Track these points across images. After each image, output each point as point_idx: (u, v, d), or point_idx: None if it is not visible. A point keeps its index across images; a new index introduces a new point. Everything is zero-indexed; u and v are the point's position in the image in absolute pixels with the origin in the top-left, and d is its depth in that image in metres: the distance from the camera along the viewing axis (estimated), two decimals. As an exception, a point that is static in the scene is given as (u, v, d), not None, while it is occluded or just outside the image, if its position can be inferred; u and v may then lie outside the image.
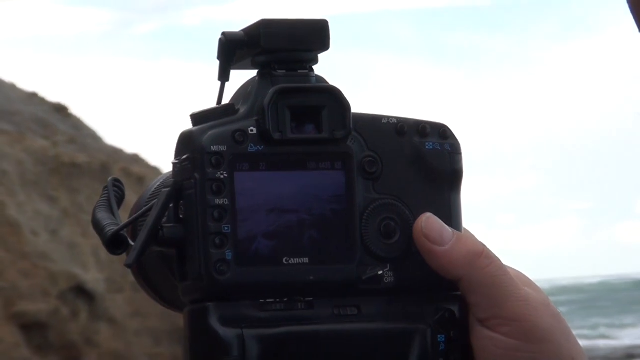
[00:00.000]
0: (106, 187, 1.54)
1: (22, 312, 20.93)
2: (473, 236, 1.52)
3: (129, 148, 28.25)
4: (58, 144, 25.12)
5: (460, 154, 1.57)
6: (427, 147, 1.52)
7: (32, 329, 21.16)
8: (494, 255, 1.50)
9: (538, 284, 1.49)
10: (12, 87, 27.28)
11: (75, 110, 28.30)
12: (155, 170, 23.50)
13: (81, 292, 22.07)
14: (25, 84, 27.40)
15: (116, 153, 27.20)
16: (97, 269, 22.56)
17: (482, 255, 1.47)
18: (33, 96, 27.70)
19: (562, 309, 1.49)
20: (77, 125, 27.80)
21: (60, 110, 27.77)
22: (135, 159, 27.16)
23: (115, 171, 24.42)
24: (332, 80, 1.51)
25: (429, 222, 1.47)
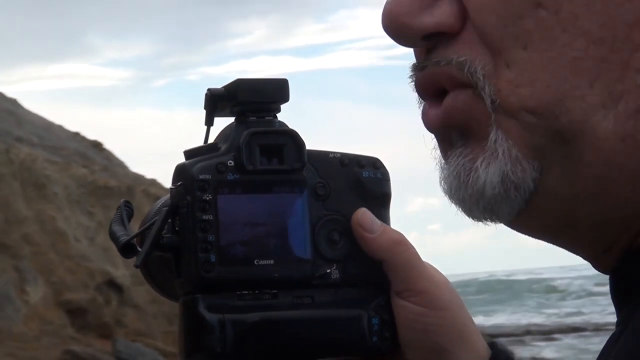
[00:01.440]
0: (119, 206, 1.65)
1: (67, 300, 22.22)
2: (398, 231, 1.63)
3: (148, 174, 29.66)
4: (95, 171, 26.61)
5: (388, 180, 1.67)
6: (363, 175, 1.64)
7: (75, 313, 22.39)
8: (411, 244, 1.62)
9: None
10: (60, 128, 29.07)
11: (107, 145, 30.05)
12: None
13: (112, 285, 23.43)
14: (70, 126, 29.06)
15: (138, 178, 28.73)
16: (125, 267, 23.33)
17: (400, 243, 1.58)
18: (76, 135, 29.58)
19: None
20: (109, 157, 29.58)
21: (96, 145, 29.62)
22: (153, 182, 28.39)
23: (137, 192, 25.32)
24: (296, 124, 1.63)
25: (363, 215, 1.59)
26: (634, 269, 1.10)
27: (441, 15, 1.15)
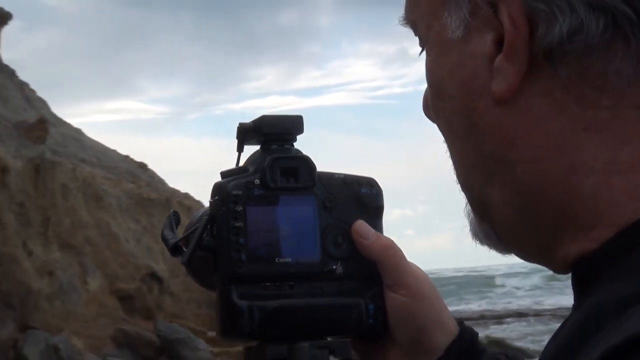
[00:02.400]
0: (169, 215, 1.67)
1: (119, 289, 22.24)
2: (388, 238, 1.65)
3: (182, 189, 29.22)
4: (140, 186, 26.64)
5: (382, 196, 1.71)
6: (362, 191, 1.68)
7: (124, 299, 22.33)
8: (398, 248, 1.63)
9: (427, 272, 1.68)
10: (114, 152, 29.20)
11: (150, 166, 30.12)
12: (199, 203, 23.25)
13: (154, 277, 23.30)
14: (122, 150, 28.92)
15: (175, 192, 28.45)
16: (164, 263, 23.16)
17: (390, 248, 1.62)
18: (126, 157, 29.59)
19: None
20: (151, 175, 29.54)
21: (142, 166, 29.63)
22: (187, 195, 27.96)
23: (174, 203, 24.73)
24: (306, 150, 1.64)
25: (360, 225, 1.62)
26: (589, 267, 1.10)
27: (432, 117, 1.27)
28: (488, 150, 1.14)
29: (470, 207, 1.26)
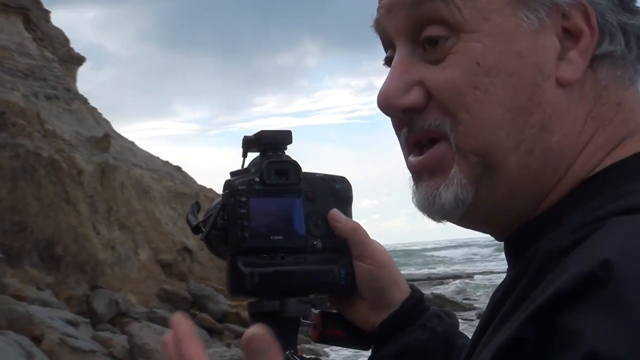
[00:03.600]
0: (192, 204, 1.58)
1: (161, 259, 21.68)
2: (355, 221, 1.53)
3: (207, 185, 28.45)
4: (176, 184, 25.92)
5: (351, 190, 1.58)
6: (336, 187, 1.56)
7: (165, 266, 21.75)
8: (363, 229, 1.52)
9: (389, 247, 1.50)
10: (157, 159, 28.14)
11: (184, 168, 29.08)
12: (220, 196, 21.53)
13: (187, 250, 22.53)
14: (163, 157, 28.10)
15: (202, 188, 27.39)
16: (194, 240, 20.85)
17: (356, 228, 1.50)
18: (166, 162, 28.52)
19: (395, 258, 1.61)
20: (184, 175, 28.59)
21: (178, 169, 28.52)
22: (211, 190, 26.42)
23: (201, 196, 23.98)
24: (297, 156, 1.52)
25: (334, 212, 1.49)
26: (520, 238, 1.09)
27: (414, 98, 1.13)
28: (535, 120, 1.06)
29: (475, 168, 1.10)
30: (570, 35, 1.06)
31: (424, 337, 1.45)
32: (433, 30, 1.10)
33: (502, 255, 1.16)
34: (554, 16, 1.06)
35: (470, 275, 50.20)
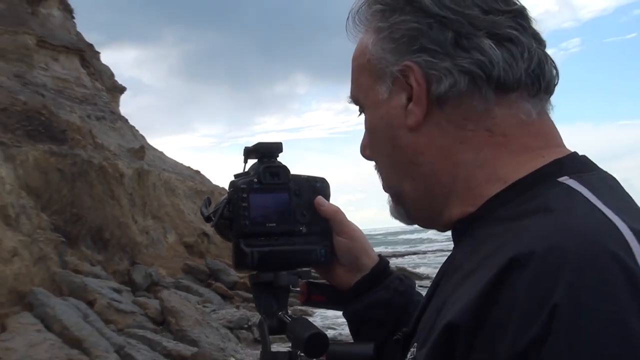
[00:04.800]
0: (204, 199, 1.51)
1: (185, 241, 21.47)
2: (335, 205, 1.47)
3: (220, 185, 27.40)
4: (196, 184, 25.85)
5: (329, 187, 1.50)
6: (317, 185, 1.49)
7: (188, 247, 21.55)
8: (342, 211, 1.45)
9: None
10: (182, 165, 28.05)
11: (202, 172, 28.96)
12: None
13: (205, 234, 22.09)
14: (186, 163, 27.80)
15: (217, 187, 27.00)
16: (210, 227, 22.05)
17: (337, 211, 1.45)
18: (189, 167, 28.50)
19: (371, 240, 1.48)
20: (202, 177, 28.50)
21: (197, 172, 28.51)
22: (223, 189, 23.61)
23: (215, 193, 23.85)
24: (288, 162, 1.44)
25: (319, 198, 1.44)
26: (460, 229, 1.05)
27: (366, 154, 1.17)
28: (405, 159, 1.07)
29: (390, 199, 1.16)
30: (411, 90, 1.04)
31: (388, 295, 1.43)
32: (357, 106, 1.16)
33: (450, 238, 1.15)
34: (398, 82, 1.05)
35: (424, 252, 50.29)
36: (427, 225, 1.14)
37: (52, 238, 13.58)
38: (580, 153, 1.05)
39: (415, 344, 1.03)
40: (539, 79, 1.02)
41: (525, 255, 0.84)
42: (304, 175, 1.52)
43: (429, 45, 1.01)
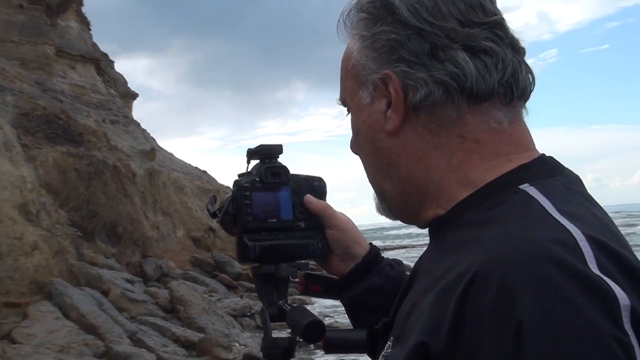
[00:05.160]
0: (210, 197, 1.48)
1: (193, 236, 21.35)
2: (325, 202, 1.45)
3: (225, 184, 26.93)
4: (203, 183, 25.65)
5: (325, 186, 1.49)
6: (315, 184, 1.47)
7: (195, 241, 21.41)
8: (331, 207, 1.43)
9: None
10: (190, 165, 27.78)
11: (209, 172, 28.69)
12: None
13: (211, 229, 21.94)
14: (194, 163, 27.61)
15: (222, 186, 26.77)
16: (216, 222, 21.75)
17: (326, 207, 1.43)
18: (196, 167, 28.21)
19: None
20: (209, 176, 28.24)
21: (204, 172, 28.29)
22: (228, 187, 24.19)
23: (221, 192, 22.59)
24: (289, 162, 1.42)
25: (308, 196, 1.42)
26: (434, 228, 1.04)
27: (354, 151, 1.15)
28: (385, 161, 1.06)
29: (376, 196, 1.15)
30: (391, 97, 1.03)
31: (381, 281, 1.41)
32: (345, 107, 1.16)
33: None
34: (379, 89, 1.04)
35: (413, 246, 50.03)
36: (408, 222, 1.13)
37: (69, 233, 13.62)
38: (557, 155, 1.03)
39: (392, 337, 1.02)
40: (512, 88, 1.00)
41: (483, 269, 0.83)
42: (302, 175, 1.50)
43: (407, 56, 0.99)
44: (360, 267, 1.43)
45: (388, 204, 1.12)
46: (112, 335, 9.90)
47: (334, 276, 1.48)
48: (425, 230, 1.09)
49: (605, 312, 0.77)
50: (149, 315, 12.28)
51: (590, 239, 0.84)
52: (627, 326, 0.78)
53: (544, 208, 0.89)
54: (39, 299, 10.52)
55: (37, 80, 19.93)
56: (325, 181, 1.51)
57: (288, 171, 1.47)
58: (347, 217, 1.47)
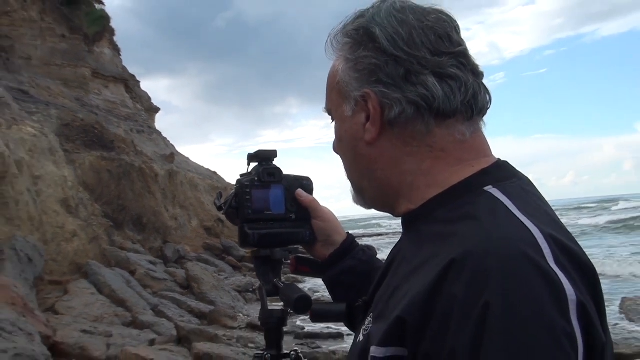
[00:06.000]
0: (217, 193, 1.45)
1: (205, 225, 21.10)
2: (312, 196, 1.41)
3: (232, 182, 26.98)
4: (214, 181, 25.33)
5: (312, 184, 1.45)
6: (303, 182, 1.43)
7: (207, 229, 21.17)
8: (317, 201, 1.41)
9: (338, 216, 1.42)
10: (202, 167, 27.59)
11: (219, 172, 28.46)
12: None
13: (220, 220, 21.39)
14: (206, 166, 27.34)
15: (229, 184, 25.34)
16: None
17: (313, 200, 1.40)
18: (207, 169, 27.99)
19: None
20: (219, 176, 27.96)
21: (214, 173, 28.14)
22: (234, 186, 26.20)
23: (228, 189, 18.90)
24: (282, 165, 1.38)
25: (298, 191, 1.39)
26: (407, 220, 1.02)
27: (336, 151, 1.12)
28: (364, 165, 1.03)
29: (353, 190, 1.12)
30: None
31: (354, 263, 1.39)
32: (330, 116, 1.12)
33: None
34: (360, 104, 1.02)
35: (387, 234, 49.93)
36: (381, 211, 1.10)
37: (103, 223, 13.56)
38: (507, 159, 1.02)
39: (372, 314, 1.00)
40: (473, 107, 0.99)
41: (461, 258, 0.81)
42: (293, 175, 1.47)
43: (385, 79, 0.98)
44: (338, 252, 1.41)
45: (365, 198, 1.10)
46: (137, 307, 9.89)
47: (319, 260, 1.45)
48: (395, 222, 1.08)
49: (557, 305, 0.77)
50: (168, 291, 12.21)
51: (549, 237, 0.83)
52: (574, 319, 0.77)
53: (508, 208, 0.88)
54: (77, 278, 10.48)
55: (77, 97, 19.90)
56: (314, 180, 1.48)
57: (281, 172, 1.44)
58: (329, 210, 1.45)
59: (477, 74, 1.01)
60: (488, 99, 1.02)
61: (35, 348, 5.20)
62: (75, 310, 8.96)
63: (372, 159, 1.02)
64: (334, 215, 1.45)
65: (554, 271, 0.79)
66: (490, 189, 0.93)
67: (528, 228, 0.84)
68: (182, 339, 7.92)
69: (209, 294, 12.42)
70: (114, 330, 8.18)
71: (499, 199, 0.90)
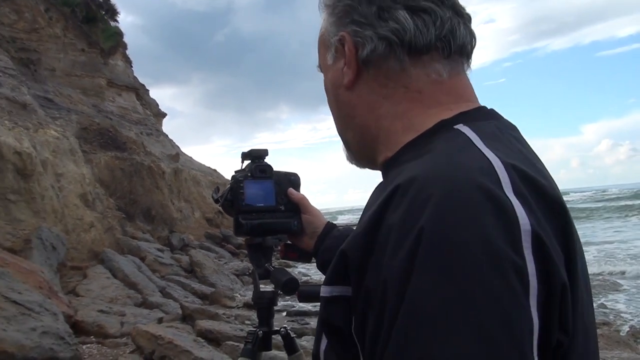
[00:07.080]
0: (214, 188, 1.39)
1: (207, 216, 20.87)
2: (302, 194, 1.35)
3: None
4: (214, 178, 25.04)
5: (300, 180, 1.38)
6: (292, 178, 1.38)
7: (208, 220, 20.96)
8: (306, 198, 1.35)
9: (325, 210, 1.35)
10: (204, 165, 27.23)
11: (218, 170, 28.08)
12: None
13: (220, 212, 20.26)
14: (207, 164, 26.92)
15: (228, 180, 26.32)
16: None
17: (302, 198, 1.36)
18: (208, 167, 27.57)
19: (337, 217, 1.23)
20: (218, 174, 27.55)
21: (215, 170, 27.74)
22: None
23: (226, 185, 21.55)
24: (273, 162, 1.32)
25: (290, 190, 1.36)
26: (384, 169, 0.86)
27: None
28: (345, 112, 0.91)
29: (344, 146, 0.96)
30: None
31: (330, 242, 1.34)
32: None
33: None
34: (338, 49, 0.89)
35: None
36: (368, 167, 0.95)
37: (116, 215, 13.49)
38: None
39: None
40: (450, 43, 0.83)
41: (405, 183, 0.68)
42: (283, 171, 1.44)
43: (358, 18, 0.86)
44: (320, 236, 1.38)
45: (352, 153, 0.95)
46: (147, 290, 9.84)
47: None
48: None
49: (506, 233, 0.62)
50: (174, 274, 12.12)
51: (510, 166, 0.68)
52: (527, 251, 0.62)
53: (470, 139, 0.74)
54: (94, 264, 10.46)
55: (94, 104, 19.72)
56: (301, 176, 1.44)
57: (272, 168, 1.40)
58: (316, 208, 1.41)
59: (459, 13, 0.85)
60: (470, 38, 0.86)
61: (59, 326, 5.27)
62: (93, 292, 8.91)
63: (351, 105, 0.88)
64: (320, 213, 1.42)
65: (509, 199, 0.64)
66: (460, 126, 0.78)
67: (487, 157, 0.70)
68: (187, 317, 7.94)
69: (210, 277, 12.36)
70: (126, 310, 8.17)
71: (463, 133, 0.76)
